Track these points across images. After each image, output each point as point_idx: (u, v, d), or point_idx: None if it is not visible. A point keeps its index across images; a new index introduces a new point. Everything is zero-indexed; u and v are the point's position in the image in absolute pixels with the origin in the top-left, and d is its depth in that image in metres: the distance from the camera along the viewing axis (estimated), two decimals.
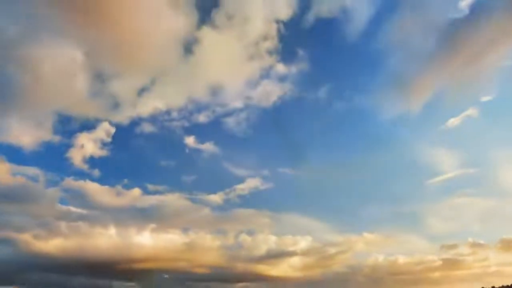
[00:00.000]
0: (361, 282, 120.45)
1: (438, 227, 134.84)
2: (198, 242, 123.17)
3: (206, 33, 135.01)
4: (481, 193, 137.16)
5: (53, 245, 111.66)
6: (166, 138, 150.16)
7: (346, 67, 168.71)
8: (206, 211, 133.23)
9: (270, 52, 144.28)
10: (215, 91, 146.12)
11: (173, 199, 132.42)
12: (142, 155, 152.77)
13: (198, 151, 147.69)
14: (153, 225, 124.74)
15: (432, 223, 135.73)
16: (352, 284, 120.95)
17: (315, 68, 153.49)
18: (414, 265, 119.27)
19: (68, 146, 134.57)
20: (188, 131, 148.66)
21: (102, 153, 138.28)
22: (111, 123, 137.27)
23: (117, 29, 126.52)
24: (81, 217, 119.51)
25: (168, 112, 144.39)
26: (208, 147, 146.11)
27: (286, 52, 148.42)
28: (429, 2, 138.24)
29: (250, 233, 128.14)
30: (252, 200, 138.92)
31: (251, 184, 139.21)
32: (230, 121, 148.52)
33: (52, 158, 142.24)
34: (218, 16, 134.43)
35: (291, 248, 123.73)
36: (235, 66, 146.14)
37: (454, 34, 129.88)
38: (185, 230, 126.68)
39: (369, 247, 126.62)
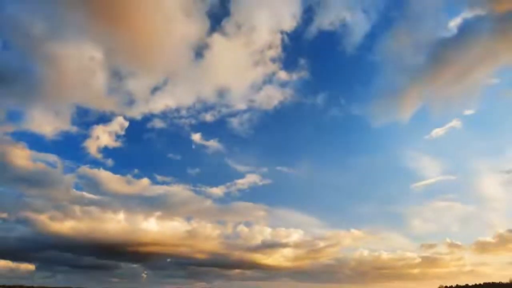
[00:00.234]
0: (347, 274, 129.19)
1: (419, 227, 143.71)
2: (199, 231, 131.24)
3: (216, 39, 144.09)
4: (460, 199, 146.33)
5: (67, 226, 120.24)
6: (174, 133, 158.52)
7: (343, 77, 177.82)
8: (208, 202, 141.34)
9: (273, 60, 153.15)
10: (221, 93, 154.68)
11: (178, 190, 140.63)
12: (152, 148, 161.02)
13: (203, 147, 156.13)
14: (159, 213, 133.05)
15: (414, 224, 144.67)
16: (339, 275, 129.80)
17: (315, 77, 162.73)
18: (396, 261, 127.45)
19: (85, 136, 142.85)
20: (195, 128, 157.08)
21: (116, 144, 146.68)
22: (125, 118, 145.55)
23: (135, 32, 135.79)
24: (93, 202, 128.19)
25: (177, 110, 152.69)
26: (213, 144, 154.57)
27: (288, 61, 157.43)
28: (421, 21, 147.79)
29: (248, 224, 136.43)
30: (250, 195, 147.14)
31: (250, 179, 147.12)
32: (234, 121, 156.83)
33: (69, 147, 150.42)
34: (228, 24, 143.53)
35: (284, 240, 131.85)
36: (241, 71, 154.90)
37: (442, 51, 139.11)
38: (188, 218, 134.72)
39: (356, 243, 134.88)
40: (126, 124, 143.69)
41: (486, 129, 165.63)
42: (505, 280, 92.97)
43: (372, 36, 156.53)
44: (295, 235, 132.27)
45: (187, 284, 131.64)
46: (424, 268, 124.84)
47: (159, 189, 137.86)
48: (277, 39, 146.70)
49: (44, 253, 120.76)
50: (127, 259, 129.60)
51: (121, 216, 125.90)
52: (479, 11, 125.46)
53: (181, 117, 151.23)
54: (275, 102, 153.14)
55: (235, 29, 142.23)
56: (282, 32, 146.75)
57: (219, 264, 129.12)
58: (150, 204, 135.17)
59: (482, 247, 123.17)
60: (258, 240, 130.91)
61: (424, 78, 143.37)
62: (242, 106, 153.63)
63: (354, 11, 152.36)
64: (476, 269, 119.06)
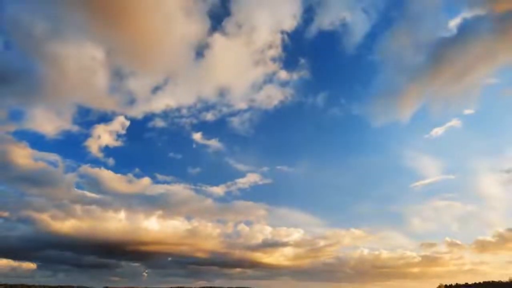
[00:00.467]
0: (347, 273, 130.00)
1: (419, 226, 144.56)
2: (200, 229, 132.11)
3: (217, 39, 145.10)
4: (459, 198, 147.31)
5: (68, 225, 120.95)
6: (175, 133, 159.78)
7: (343, 77, 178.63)
8: (209, 201, 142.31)
9: (274, 60, 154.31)
10: (222, 92, 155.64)
11: (179, 189, 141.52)
12: (153, 148, 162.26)
13: (204, 146, 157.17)
14: (159, 212, 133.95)
15: (414, 223, 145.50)
16: (339, 274, 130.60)
17: (315, 76, 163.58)
18: (396, 260, 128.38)
19: (86, 136, 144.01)
20: (196, 127, 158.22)
21: (117, 144, 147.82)
22: (126, 117, 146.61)
23: (136, 32, 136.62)
24: (94, 201, 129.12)
25: (178, 110, 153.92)
26: (213, 143, 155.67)
27: (288, 60, 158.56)
28: (421, 21, 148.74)
29: (248, 223, 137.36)
30: (251, 194, 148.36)
31: (251, 179, 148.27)
32: (235, 121, 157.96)
33: (71, 146, 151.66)
34: (229, 24, 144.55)
35: (284, 239, 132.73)
36: (242, 71, 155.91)
37: (442, 51, 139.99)
38: (188, 217, 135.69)
39: (356, 242, 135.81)
40: (127, 123, 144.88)
41: (486, 129, 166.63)
42: (505, 279, 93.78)
43: (372, 36, 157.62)
44: (296, 234, 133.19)
45: (188, 282, 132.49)
46: (424, 267, 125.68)
47: (160, 188, 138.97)
48: (278, 39, 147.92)
49: (45, 252, 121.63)
50: (128, 258, 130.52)
51: (122, 215, 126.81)
52: (478, 11, 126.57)
53: (181, 117, 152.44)
54: (275, 101, 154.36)
55: (236, 29, 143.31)
56: (282, 32, 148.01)
57: (219, 263, 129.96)
58: (151, 203, 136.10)
59: (482, 246, 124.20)
60: (258, 239, 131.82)
61: (424, 77, 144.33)
62: (242, 105, 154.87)
63: (354, 11, 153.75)
64: (476, 268, 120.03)
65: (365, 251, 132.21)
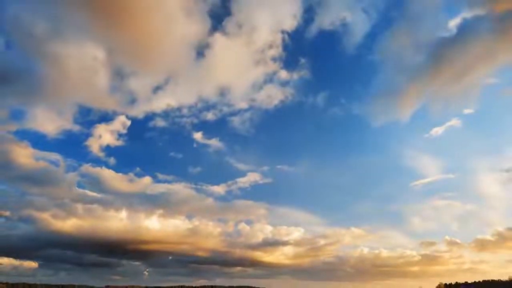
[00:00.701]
0: (347, 271, 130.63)
1: (418, 225, 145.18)
2: (201, 228, 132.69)
3: (217, 39, 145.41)
4: (459, 197, 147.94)
5: (69, 224, 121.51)
6: (176, 132, 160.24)
7: (343, 76, 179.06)
8: (210, 200, 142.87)
9: (274, 59, 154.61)
10: (222, 92, 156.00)
11: (180, 188, 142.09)
12: (154, 147, 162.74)
13: (204, 146, 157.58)
14: (160, 211, 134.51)
15: (414, 222, 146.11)
16: (339, 273, 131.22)
17: (315, 76, 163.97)
18: (396, 259, 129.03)
19: (87, 135, 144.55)
20: (197, 127, 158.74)
21: (118, 143, 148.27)
22: (127, 117, 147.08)
23: (136, 32, 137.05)
24: (96, 201, 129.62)
25: (179, 109, 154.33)
26: (214, 142, 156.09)
27: (289, 60, 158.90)
28: (421, 21, 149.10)
29: (249, 222, 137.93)
30: (251, 193, 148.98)
31: (251, 178, 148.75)
32: (235, 120, 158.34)
33: (72, 145, 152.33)
34: (229, 24, 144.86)
35: (284, 238, 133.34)
36: (242, 71, 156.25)
37: (442, 51, 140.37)
38: (189, 217, 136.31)
39: (356, 240, 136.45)
40: (128, 123, 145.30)
41: (485, 128, 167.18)
42: (504, 277, 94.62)
43: (372, 36, 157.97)
44: (296, 233, 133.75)
45: (189, 281, 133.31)
46: (424, 265, 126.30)
47: (161, 188, 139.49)
48: (278, 38, 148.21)
49: (47, 251, 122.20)
50: (129, 257, 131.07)
51: (123, 214, 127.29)
52: (478, 11, 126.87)
53: (182, 116, 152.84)
54: (275, 101, 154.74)
55: (236, 29, 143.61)
56: (282, 32, 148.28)
57: (220, 261, 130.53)
58: (152, 202, 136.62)
59: (481, 245, 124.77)
60: (259, 238, 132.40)
61: (423, 77, 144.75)
62: (243, 105, 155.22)
63: (354, 11, 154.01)
64: (475, 266, 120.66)
65: (365, 250, 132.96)
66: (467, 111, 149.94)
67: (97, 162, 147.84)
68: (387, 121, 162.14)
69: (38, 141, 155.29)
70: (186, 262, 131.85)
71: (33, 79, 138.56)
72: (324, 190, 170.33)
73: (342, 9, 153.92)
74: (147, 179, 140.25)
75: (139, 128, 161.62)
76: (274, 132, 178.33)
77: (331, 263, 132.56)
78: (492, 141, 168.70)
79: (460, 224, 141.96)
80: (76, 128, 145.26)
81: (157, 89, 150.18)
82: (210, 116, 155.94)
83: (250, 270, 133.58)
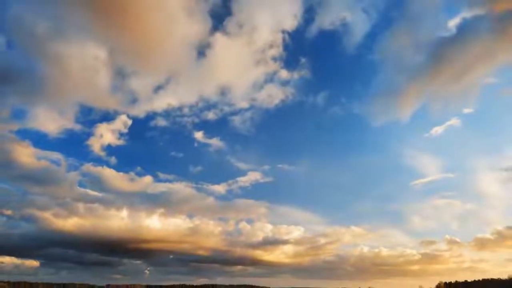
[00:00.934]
0: (347, 270, 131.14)
1: (419, 224, 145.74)
2: (201, 227, 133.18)
3: (218, 39, 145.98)
4: (459, 196, 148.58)
5: (71, 223, 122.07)
6: (177, 132, 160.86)
7: (343, 76, 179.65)
8: (210, 199, 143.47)
9: (275, 59, 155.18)
10: (223, 91, 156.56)
11: (180, 187, 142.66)
12: (155, 146, 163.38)
13: (205, 145, 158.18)
14: (161, 210, 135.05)
15: (414, 221, 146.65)
16: (339, 272, 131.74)
17: (315, 76, 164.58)
18: (396, 258, 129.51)
19: (89, 134, 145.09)
20: (198, 126, 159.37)
21: (119, 142, 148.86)
22: (128, 116, 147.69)
23: (138, 32, 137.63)
24: (97, 200, 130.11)
25: (180, 109, 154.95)
26: (215, 142, 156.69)
27: (289, 60, 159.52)
28: (421, 21, 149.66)
29: (249, 221, 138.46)
30: (252, 192, 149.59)
31: (252, 177, 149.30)
32: (236, 120, 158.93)
33: (73, 144, 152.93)
34: (230, 24, 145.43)
35: (285, 237, 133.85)
36: (243, 70, 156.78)
37: (442, 51, 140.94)
38: (190, 216, 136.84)
39: (356, 239, 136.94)
40: (129, 122, 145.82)
41: (485, 128, 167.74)
42: (504, 276, 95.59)
43: (372, 36, 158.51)
44: (296, 232, 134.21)
45: (189, 280, 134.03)
46: (424, 264, 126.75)
47: (162, 187, 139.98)
48: (279, 38, 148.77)
49: (48, 249, 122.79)
50: (130, 255, 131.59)
51: (124, 213, 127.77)
52: (478, 11, 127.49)
53: (183, 116, 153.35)
54: (276, 100, 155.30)
55: (237, 29, 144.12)
56: (283, 32, 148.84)
57: (221, 260, 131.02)
58: (152, 201, 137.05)
59: (481, 244, 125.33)
60: (259, 237, 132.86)
61: (423, 77, 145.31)
62: (243, 104, 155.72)
63: (354, 11, 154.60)
64: (475, 265, 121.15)
65: (365, 249, 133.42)
66: (466, 110, 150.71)
67: (98, 161, 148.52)
68: (387, 121, 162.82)
69: (40, 140, 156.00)
70: (187, 261, 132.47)
71: (34, 78, 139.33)
72: (324, 189, 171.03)
73: (342, 9, 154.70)
74: (148, 178, 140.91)
75: (140, 128, 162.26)
76: (275, 132, 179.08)
77: (331, 262, 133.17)
78: (492, 140, 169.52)
79: (460, 223, 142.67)
80: (78, 127, 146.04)
81: (158, 88, 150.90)
82: (211, 115, 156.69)
83: (250, 269, 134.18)
